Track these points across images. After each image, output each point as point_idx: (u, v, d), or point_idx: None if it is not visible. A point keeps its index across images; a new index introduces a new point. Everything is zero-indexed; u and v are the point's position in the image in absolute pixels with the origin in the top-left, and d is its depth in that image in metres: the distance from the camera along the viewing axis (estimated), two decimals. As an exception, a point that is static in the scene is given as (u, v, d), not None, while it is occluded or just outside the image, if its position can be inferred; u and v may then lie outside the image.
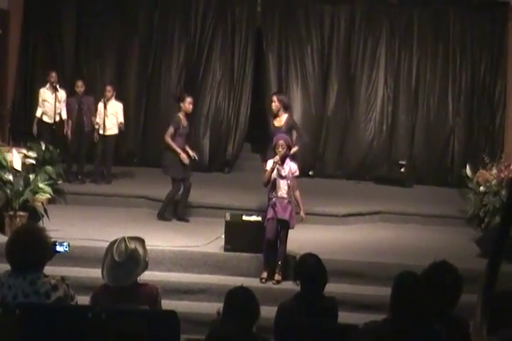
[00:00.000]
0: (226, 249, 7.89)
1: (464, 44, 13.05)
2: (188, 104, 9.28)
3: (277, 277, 7.49)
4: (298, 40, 13.13)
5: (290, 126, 9.08)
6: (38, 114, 11.01)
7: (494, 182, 9.21)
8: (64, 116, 10.96)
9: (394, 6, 13.07)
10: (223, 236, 7.99)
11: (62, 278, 3.77)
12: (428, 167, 12.96)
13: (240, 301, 4.02)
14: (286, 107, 9.14)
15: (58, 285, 3.69)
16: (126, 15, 13.04)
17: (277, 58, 13.15)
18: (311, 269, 4.78)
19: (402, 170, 12.53)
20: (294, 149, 8.54)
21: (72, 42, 13.07)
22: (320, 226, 9.46)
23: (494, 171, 9.41)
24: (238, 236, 7.87)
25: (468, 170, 10.19)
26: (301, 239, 8.40)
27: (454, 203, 10.46)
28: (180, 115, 9.29)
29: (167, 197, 9.31)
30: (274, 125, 9.03)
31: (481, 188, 9.37)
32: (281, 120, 9.00)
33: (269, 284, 7.42)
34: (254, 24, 13.20)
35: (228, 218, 8.09)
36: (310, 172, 12.98)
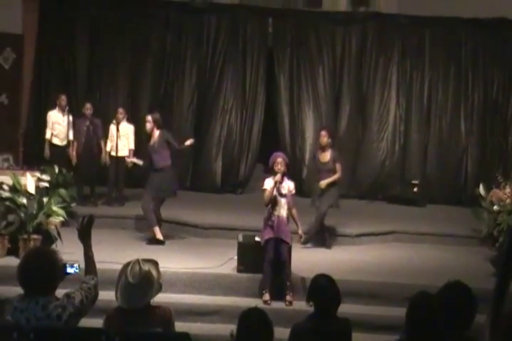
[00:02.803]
0: (239, 270, 7.88)
1: (476, 63, 13.07)
2: (322, 136, 9.44)
3: (289, 298, 7.43)
4: (309, 60, 13.19)
5: (163, 141, 9.28)
6: (48, 136, 11.10)
7: (508, 201, 9.16)
8: (71, 137, 11.04)
9: (405, 26, 13.12)
10: (236, 257, 7.97)
11: (67, 295, 3.77)
12: (441, 186, 12.92)
13: (253, 322, 4.00)
14: (159, 126, 9.40)
15: (66, 305, 3.69)
16: (138, 39, 13.16)
17: (289, 79, 13.21)
18: (324, 290, 4.75)
19: (415, 189, 12.50)
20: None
21: (84, 65, 13.20)
22: (333, 246, 9.44)
23: (508, 190, 9.36)
24: (251, 257, 7.85)
25: (481, 189, 10.14)
26: (314, 260, 8.38)
27: (467, 222, 10.39)
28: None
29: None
30: (149, 144, 9.36)
31: (495, 207, 9.31)
32: (155, 137, 9.29)
33: (282, 305, 7.39)
34: (265, 45, 13.29)
35: (241, 239, 8.08)
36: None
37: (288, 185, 7.64)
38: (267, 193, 7.54)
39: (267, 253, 7.47)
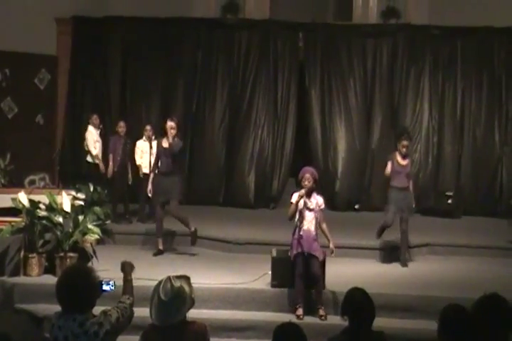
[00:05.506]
0: (273, 285, 7.86)
1: (510, 72, 13.00)
2: (401, 147, 9.39)
3: (322, 312, 7.40)
4: (340, 73, 13.23)
5: (177, 147, 9.36)
6: (98, 152, 11.32)
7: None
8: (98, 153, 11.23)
9: (437, 37, 13.11)
10: (270, 272, 7.98)
11: (104, 312, 3.82)
12: (476, 197, 12.82)
13: (288, 337, 4.01)
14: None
15: (103, 322, 3.74)
16: (169, 57, 13.33)
17: (320, 92, 13.26)
18: (358, 304, 4.72)
19: (450, 201, 12.41)
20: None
21: (118, 84, 13.41)
22: (367, 259, 9.41)
23: (544, 200, 9.28)
24: (285, 272, 7.83)
25: (517, 200, 10.07)
26: (347, 274, 8.35)
27: (503, 234, 10.29)
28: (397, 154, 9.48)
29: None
30: (164, 147, 9.37)
31: (531, 218, 9.23)
32: (170, 141, 9.35)
33: (317, 320, 7.36)
34: (296, 59, 13.36)
35: (274, 254, 8.08)
36: (356, 206, 12.93)
37: (316, 200, 7.62)
38: (291, 207, 7.56)
39: (297, 268, 7.46)
